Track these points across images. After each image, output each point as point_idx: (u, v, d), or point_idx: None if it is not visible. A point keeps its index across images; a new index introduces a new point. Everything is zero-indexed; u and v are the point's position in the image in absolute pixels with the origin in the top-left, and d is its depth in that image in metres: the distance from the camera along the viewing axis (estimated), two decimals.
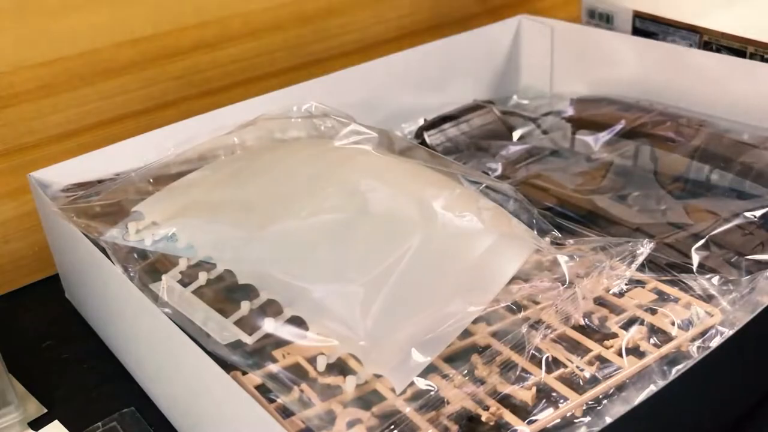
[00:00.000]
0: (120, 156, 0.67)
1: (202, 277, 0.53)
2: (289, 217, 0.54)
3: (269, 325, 0.48)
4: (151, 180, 0.62)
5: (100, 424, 0.56)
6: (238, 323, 0.50)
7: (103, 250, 0.56)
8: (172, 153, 0.64)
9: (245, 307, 0.50)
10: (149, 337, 0.55)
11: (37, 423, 0.57)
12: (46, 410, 0.58)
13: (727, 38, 0.82)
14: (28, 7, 0.67)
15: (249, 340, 0.49)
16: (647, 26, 0.90)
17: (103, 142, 0.68)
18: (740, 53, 0.80)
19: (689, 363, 0.47)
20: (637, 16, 0.90)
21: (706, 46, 0.83)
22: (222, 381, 0.45)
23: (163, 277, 0.53)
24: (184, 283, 0.53)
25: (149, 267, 0.55)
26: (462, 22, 0.97)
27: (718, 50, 0.82)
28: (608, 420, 0.44)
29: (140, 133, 0.68)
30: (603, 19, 0.94)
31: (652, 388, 0.46)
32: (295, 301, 0.49)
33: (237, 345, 0.49)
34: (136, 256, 0.55)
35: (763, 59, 0.78)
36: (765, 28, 0.80)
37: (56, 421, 0.57)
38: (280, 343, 0.48)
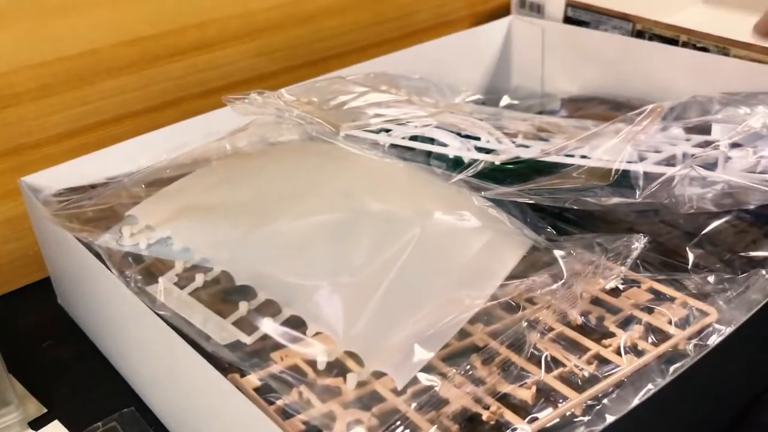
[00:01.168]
0: (114, 160, 0.67)
1: (199, 279, 0.53)
2: (285, 217, 0.54)
3: (268, 325, 0.48)
4: (144, 185, 0.62)
5: (100, 424, 0.56)
6: (237, 324, 0.50)
7: (97, 255, 0.55)
8: (165, 158, 0.64)
9: (243, 307, 0.50)
10: (144, 342, 0.55)
11: (37, 423, 0.57)
12: (46, 410, 0.58)
13: (659, 27, 0.82)
14: (28, 7, 0.67)
15: (248, 340, 0.49)
16: (579, 15, 0.90)
17: (103, 142, 0.68)
18: (673, 42, 0.81)
19: (687, 361, 0.47)
20: (570, 5, 0.90)
21: (640, 35, 0.84)
22: (219, 384, 0.45)
23: (160, 279, 0.53)
24: (180, 286, 0.53)
25: (145, 270, 0.54)
26: (462, 21, 0.97)
27: (650, 39, 0.83)
28: (608, 419, 0.44)
29: (140, 134, 0.68)
30: (534, 9, 0.94)
31: (650, 387, 0.46)
32: (294, 301, 0.49)
33: (236, 345, 0.49)
34: (131, 260, 0.55)
35: (695, 48, 0.78)
36: (695, 16, 0.81)
37: (56, 421, 0.57)
38: (279, 343, 0.48)
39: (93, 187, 0.64)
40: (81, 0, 0.70)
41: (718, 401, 0.54)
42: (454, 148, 0.61)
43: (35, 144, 0.71)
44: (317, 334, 0.47)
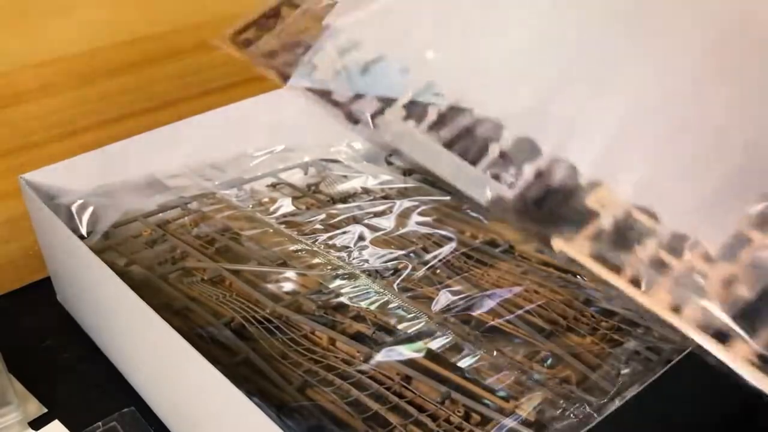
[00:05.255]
0: (114, 159, 0.67)
1: (432, 113, 0.37)
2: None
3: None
4: None
5: (100, 423, 0.56)
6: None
7: (97, 253, 0.55)
8: None
9: (494, 149, 0.35)
10: (144, 342, 0.55)
11: (37, 423, 0.58)
12: (46, 410, 0.59)
13: None
14: (28, 6, 0.67)
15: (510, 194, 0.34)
16: None
17: (103, 142, 0.68)
18: None
19: (677, 362, 0.47)
20: None
21: None
22: (221, 384, 0.45)
23: (387, 111, 0.39)
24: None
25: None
26: None
27: None
28: (596, 418, 0.44)
29: (140, 134, 0.69)
30: None
31: (639, 388, 0.46)
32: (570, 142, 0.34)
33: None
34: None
35: None
36: None
37: (56, 421, 0.58)
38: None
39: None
40: (81, 0, 0.70)
41: (711, 401, 0.54)
42: None
43: (35, 144, 0.71)
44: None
